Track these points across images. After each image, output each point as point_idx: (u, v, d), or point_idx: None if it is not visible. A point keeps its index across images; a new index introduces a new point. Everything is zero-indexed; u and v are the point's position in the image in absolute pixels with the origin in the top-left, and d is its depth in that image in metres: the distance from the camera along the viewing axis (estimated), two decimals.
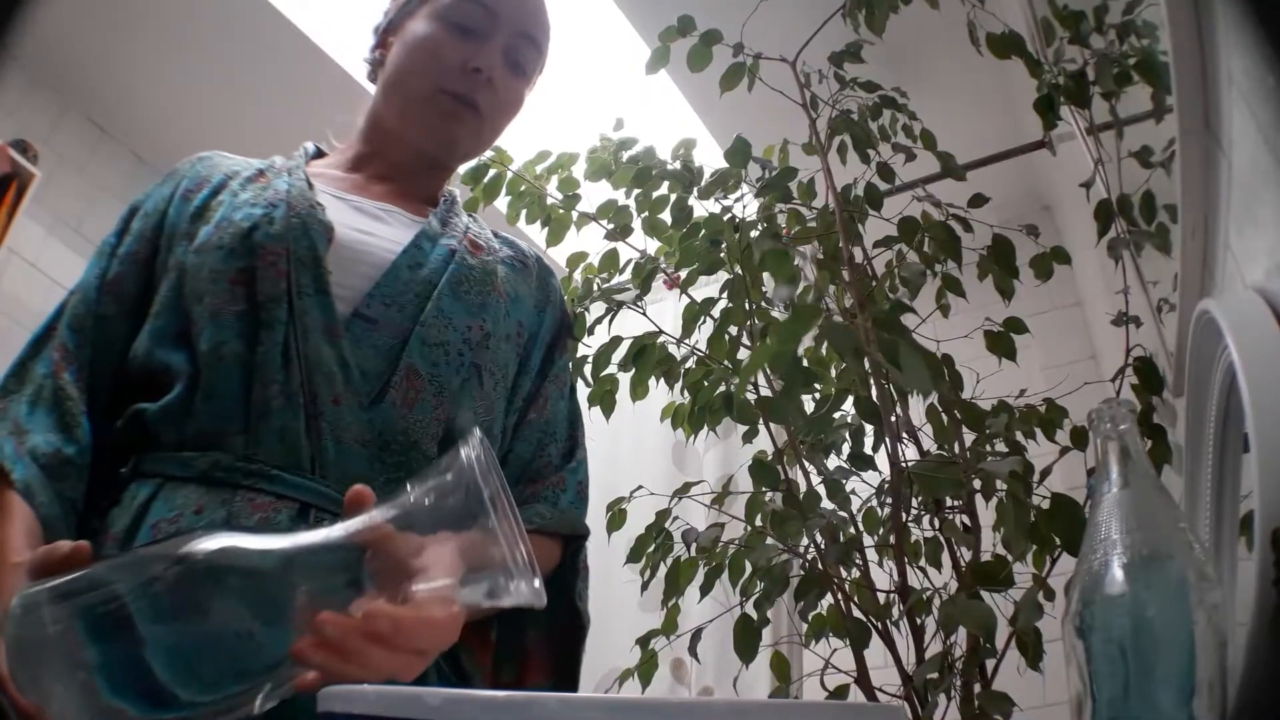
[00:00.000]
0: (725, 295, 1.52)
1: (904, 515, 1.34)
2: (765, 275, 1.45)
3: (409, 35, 0.97)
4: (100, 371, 0.85)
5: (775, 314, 1.46)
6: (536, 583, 0.54)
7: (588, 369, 1.53)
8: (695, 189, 1.58)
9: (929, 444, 1.39)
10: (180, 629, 0.51)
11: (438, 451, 0.84)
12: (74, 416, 0.81)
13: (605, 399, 1.55)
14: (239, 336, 0.80)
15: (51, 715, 0.50)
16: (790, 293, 1.37)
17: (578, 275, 1.67)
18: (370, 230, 0.90)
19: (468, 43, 0.95)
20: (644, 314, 1.58)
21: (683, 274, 1.57)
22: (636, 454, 2.29)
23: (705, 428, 1.50)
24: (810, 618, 1.42)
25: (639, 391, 1.54)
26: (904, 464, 1.30)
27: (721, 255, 1.47)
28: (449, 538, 0.55)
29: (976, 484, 1.27)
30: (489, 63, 0.95)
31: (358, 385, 0.80)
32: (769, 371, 1.08)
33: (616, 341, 1.51)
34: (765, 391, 1.44)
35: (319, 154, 1.06)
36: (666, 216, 1.62)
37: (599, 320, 1.54)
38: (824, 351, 1.52)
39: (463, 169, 1.42)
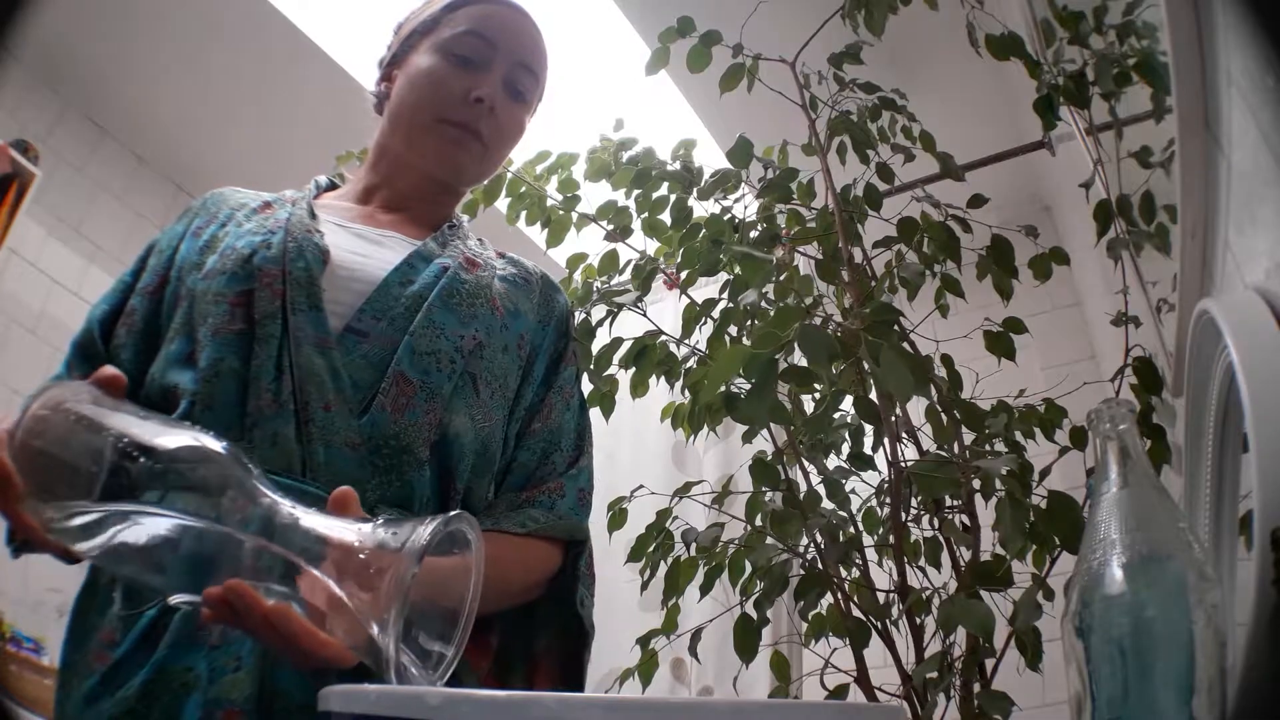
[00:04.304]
0: (725, 295, 1.52)
1: (903, 515, 1.34)
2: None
3: (412, 68, 1.01)
4: None
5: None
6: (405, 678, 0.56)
7: (590, 369, 1.53)
8: (695, 190, 1.58)
9: (929, 444, 1.39)
10: (151, 508, 0.58)
11: (429, 454, 0.85)
12: None
13: (605, 399, 1.56)
14: (236, 353, 0.83)
15: (26, 506, 0.60)
16: (759, 296, 1.37)
17: (578, 276, 1.67)
18: (366, 253, 0.93)
19: (469, 73, 0.99)
20: (644, 315, 1.58)
21: (683, 275, 1.57)
22: (636, 454, 2.29)
23: (705, 428, 1.50)
24: (810, 617, 1.42)
25: (640, 390, 1.54)
26: (903, 464, 1.30)
27: (722, 257, 1.47)
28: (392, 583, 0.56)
29: (976, 484, 1.27)
30: (490, 92, 0.99)
31: (349, 393, 0.82)
32: (743, 374, 1.08)
33: (617, 343, 1.52)
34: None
35: (332, 186, 1.08)
36: (666, 217, 1.62)
37: (601, 323, 1.55)
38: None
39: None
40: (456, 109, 0.98)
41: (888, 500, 1.40)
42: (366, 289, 0.88)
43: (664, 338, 1.53)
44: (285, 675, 0.72)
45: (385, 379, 0.84)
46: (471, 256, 0.98)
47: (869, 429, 1.48)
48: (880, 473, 1.47)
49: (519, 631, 0.92)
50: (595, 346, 1.55)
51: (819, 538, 1.36)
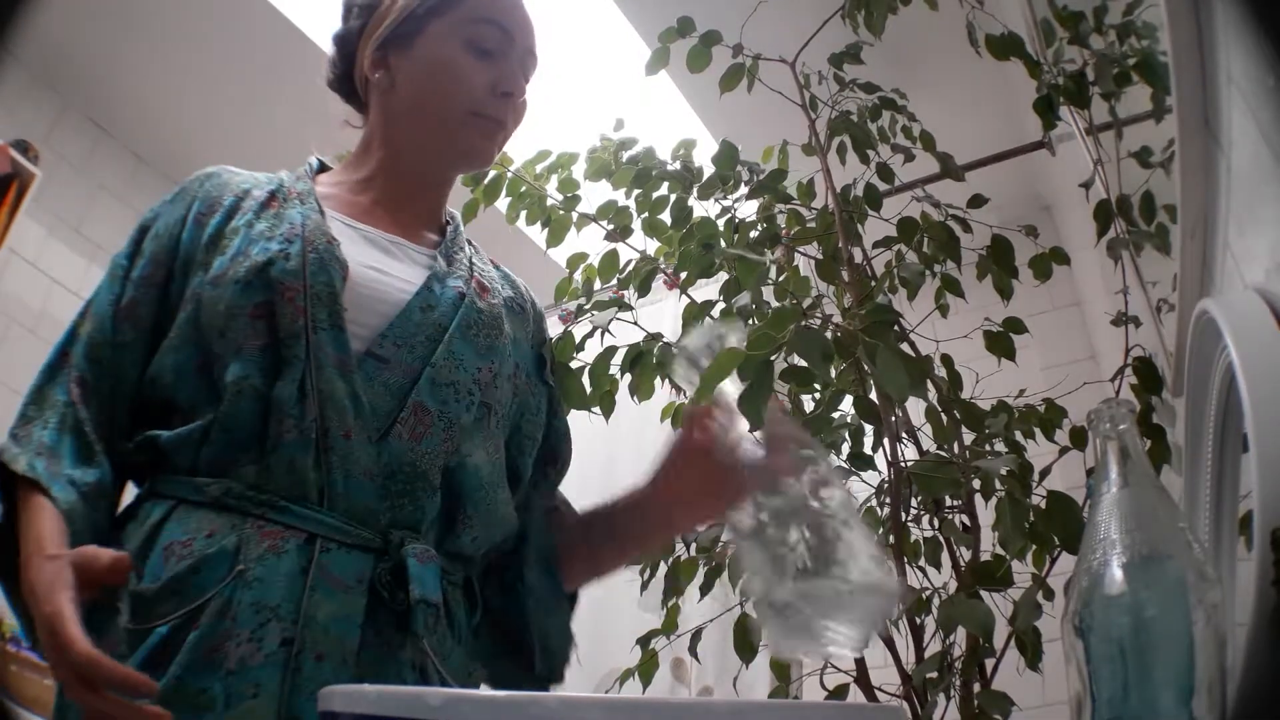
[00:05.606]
0: (723, 296, 1.52)
1: (903, 515, 1.34)
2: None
3: (428, 57, 0.97)
4: (119, 399, 0.87)
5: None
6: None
7: (585, 377, 1.52)
8: (695, 189, 1.58)
9: (929, 444, 1.39)
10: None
11: (441, 479, 0.85)
12: (94, 449, 0.83)
13: (605, 399, 1.55)
14: (261, 371, 0.82)
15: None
16: (753, 297, 1.37)
17: (578, 276, 1.67)
18: (383, 268, 0.91)
19: (491, 65, 0.97)
20: (635, 323, 1.56)
21: (682, 275, 1.57)
22: (637, 454, 2.29)
23: None
24: None
25: (642, 393, 1.54)
26: (903, 464, 1.30)
27: (717, 260, 1.47)
28: None
29: (976, 484, 1.27)
30: (516, 85, 0.98)
31: (368, 420, 0.82)
32: (738, 375, 1.08)
33: (611, 351, 1.51)
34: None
35: (322, 167, 1.06)
36: (666, 217, 1.62)
37: (588, 336, 1.53)
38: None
39: None
40: (484, 102, 0.96)
41: (888, 500, 1.40)
42: (388, 311, 0.87)
43: (662, 341, 1.52)
44: (306, 704, 0.70)
45: (404, 408, 0.83)
46: (482, 280, 0.98)
47: (869, 429, 1.48)
48: (880, 473, 1.47)
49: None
50: (587, 356, 1.54)
51: None
